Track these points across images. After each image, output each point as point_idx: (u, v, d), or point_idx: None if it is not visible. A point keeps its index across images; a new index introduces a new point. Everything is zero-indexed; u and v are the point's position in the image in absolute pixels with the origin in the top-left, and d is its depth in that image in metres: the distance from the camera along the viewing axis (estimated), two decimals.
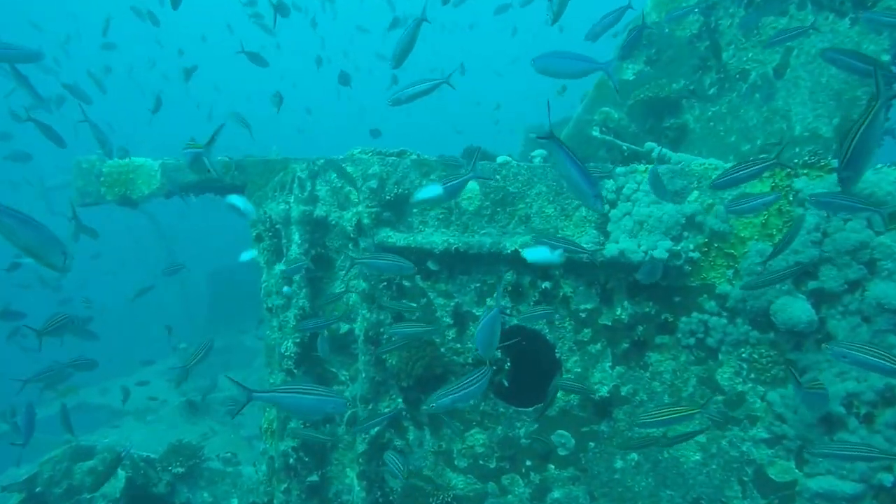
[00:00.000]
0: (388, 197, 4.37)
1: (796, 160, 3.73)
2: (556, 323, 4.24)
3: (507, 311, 4.21)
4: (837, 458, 3.48)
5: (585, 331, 4.19)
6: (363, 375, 4.56)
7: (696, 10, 5.11)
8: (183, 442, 6.59)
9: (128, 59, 28.95)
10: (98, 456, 6.41)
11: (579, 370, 4.22)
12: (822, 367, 3.69)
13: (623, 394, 4.16)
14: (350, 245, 4.54)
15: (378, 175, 4.35)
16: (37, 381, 4.74)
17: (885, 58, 4.31)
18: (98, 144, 5.18)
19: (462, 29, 35.23)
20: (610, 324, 4.11)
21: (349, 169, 4.45)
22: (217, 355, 10.30)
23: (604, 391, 4.16)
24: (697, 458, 4.05)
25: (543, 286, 4.18)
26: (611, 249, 3.90)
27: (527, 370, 4.49)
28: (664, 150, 4.60)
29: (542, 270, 4.19)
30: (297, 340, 4.68)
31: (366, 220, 4.38)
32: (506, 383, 4.35)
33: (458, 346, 4.43)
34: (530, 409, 4.36)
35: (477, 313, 4.38)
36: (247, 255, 4.92)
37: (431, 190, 3.42)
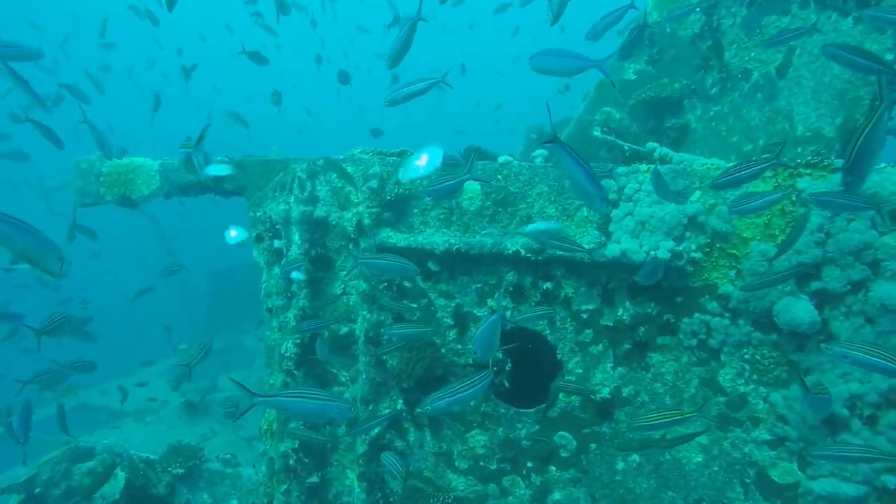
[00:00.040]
0: (388, 197, 4.35)
1: (799, 160, 3.71)
2: (558, 324, 4.22)
3: (508, 313, 4.19)
4: (839, 460, 3.46)
5: (587, 331, 4.17)
6: (363, 376, 4.54)
7: (698, 9, 5.09)
8: (182, 443, 6.57)
9: (127, 58, 28.96)
10: (97, 457, 6.39)
11: (581, 371, 4.20)
12: (824, 369, 3.67)
13: (625, 395, 4.14)
14: (350, 245, 4.52)
15: (378, 175, 4.33)
16: (36, 383, 4.72)
17: (889, 56, 4.29)
18: (97, 146, 5.16)
19: (462, 29, 35.24)
20: (611, 324, 4.09)
21: (349, 169, 4.43)
22: (217, 356, 10.30)
23: (605, 392, 4.14)
24: (699, 459, 4.03)
25: (545, 287, 4.16)
26: (612, 250, 3.88)
27: (528, 371, 4.47)
28: (666, 150, 4.57)
29: (544, 271, 4.16)
30: (297, 341, 4.67)
31: (366, 221, 4.36)
32: (507, 384, 4.33)
33: (459, 347, 4.41)
34: (531, 410, 4.35)
35: (478, 314, 4.36)
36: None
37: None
